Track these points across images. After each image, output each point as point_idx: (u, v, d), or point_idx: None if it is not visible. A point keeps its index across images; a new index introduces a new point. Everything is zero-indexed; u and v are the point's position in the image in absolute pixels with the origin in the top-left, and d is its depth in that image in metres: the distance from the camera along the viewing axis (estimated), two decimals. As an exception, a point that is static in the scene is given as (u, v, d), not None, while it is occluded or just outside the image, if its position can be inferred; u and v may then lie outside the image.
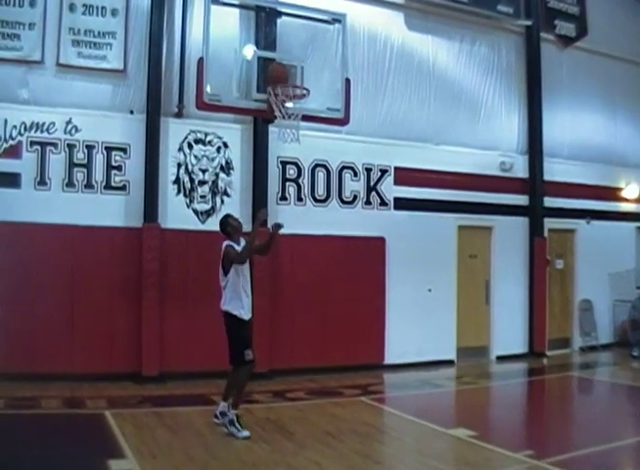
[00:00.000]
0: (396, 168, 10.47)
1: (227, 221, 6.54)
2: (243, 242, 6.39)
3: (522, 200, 11.91)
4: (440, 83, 11.20)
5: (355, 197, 10.29)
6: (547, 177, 12.07)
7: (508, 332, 11.63)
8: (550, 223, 12.21)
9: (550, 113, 12.30)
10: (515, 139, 12.02)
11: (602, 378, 10.86)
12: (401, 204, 10.50)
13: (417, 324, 10.47)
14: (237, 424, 6.10)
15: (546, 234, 12.11)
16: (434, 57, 11.14)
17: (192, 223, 9.18)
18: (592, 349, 12.66)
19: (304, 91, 7.62)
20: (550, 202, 12.14)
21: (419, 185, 10.66)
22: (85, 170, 8.69)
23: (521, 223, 11.88)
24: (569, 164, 12.54)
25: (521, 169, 11.92)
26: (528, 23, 12.04)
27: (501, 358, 11.52)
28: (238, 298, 6.20)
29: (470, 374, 10.33)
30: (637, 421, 7.75)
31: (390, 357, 10.27)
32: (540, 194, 11.96)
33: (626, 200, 13.66)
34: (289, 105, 7.52)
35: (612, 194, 13.39)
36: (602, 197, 13.12)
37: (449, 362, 10.96)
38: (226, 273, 6.27)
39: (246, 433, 6.05)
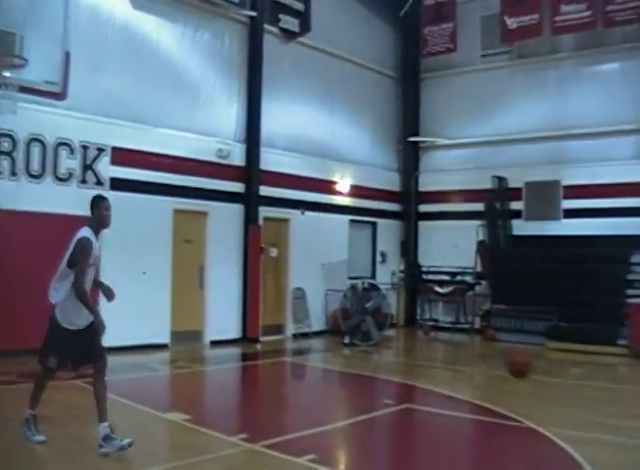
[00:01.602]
0: (114, 148, 12.82)
1: (98, 204, 6.57)
2: (98, 241, 6.60)
3: (238, 187, 15.17)
4: (163, 66, 13.84)
5: (71, 175, 12.32)
6: (264, 166, 15.52)
7: (222, 317, 14.71)
8: (265, 212, 15.67)
9: (270, 104, 15.79)
10: (233, 127, 15.26)
11: (314, 364, 13.89)
12: (118, 184, 12.76)
13: (132, 308, 12.35)
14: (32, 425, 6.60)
15: (261, 222, 15.51)
16: (157, 39, 13.77)
17: None
18: (305, 336, 16.40)
19: (23, 61, 9.13)
20: (266, 191, 15.59)
21: (136, 166, 13.09)
22: None
23: (236, 210, 15.13)
24: (285, 155, 16.25)
25: (238, 157, 15.19)
26: (253, 14, 15.44)
27: (215, 343, 14.45)
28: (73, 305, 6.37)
29: (184, 358, 12.70)
30: (347, 405, 9.86)
31: (106, 341, 12.31)
32: (256, 182, 15.36)
33: (340, 193, 17.94)
34: (6, 74, 9.08)
35: (326, 186, 17.54)
36: (317, 189, 17.15)
37: (163, 346, 13.46)
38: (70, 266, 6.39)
39: (40, 437, 6.57)
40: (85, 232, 6.37)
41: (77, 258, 6.26)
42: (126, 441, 6.30)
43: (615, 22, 16.32)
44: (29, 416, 6.59)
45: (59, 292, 6.36)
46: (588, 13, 16.46)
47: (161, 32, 13.93)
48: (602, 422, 8.29)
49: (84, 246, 6.28)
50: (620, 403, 9.81)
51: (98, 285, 6.79)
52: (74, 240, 6.34)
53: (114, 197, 12.18)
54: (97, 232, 6.51)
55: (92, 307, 6.35)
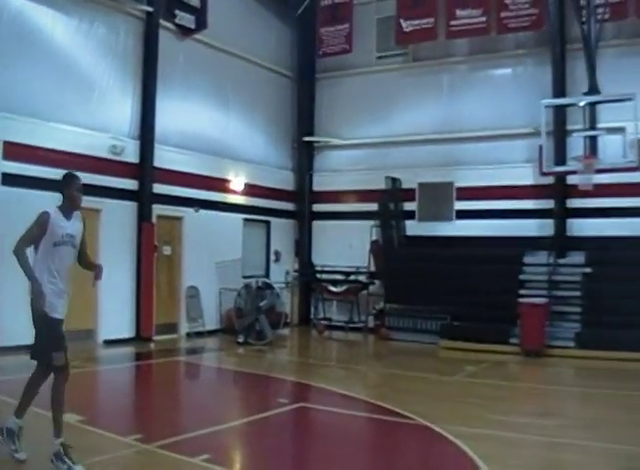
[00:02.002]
0: (6, 142, 13.14)
1: (69, 184, 6.50)
2: (78, 222, 6.58)
3: (131, 184, 15.79)
4: (57, 60, 14.25)
5: (-37, 168, 12.53)
6: (157, 164, 16.23)
7: (115, 316, 15.26)
8: (159, 210, 16.37)
9: (165, 100, 16.52)
10: (128, 123, 15.88)
11: (209, 363, 14.55)
12: (10, 180, 13.07)
13: (21, 305, 12.36)
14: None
15: (155, 220, 16.20)
16: (51, 32, 14.20)
17: None
18: (199, 334, 17.13)
19: None
20: (159, 188, 16.31)
21: (29, 162, 13.45)
22: None
23: (130, 208, 15.75)
24: (180, 153, 17.01)
25: (132, 154, 15.81)
26: (149, 9, 16.10)
27: (109, 342, 14.96)
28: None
29: (77, 358, 12.27)
30: (242, 404, 10.36)
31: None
32: (150, 180, 16.04)
33: (234, 191, 18.83)
34: None
35: (221, 185, 18.41)
36: (211, 187, 17.99)
37: None
38: (36, 248, 6.35)
39: (23, 456, 6.34)
40: (47, 209, 6.36)
41: (28, 228, 6.26)
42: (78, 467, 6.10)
43: (508, 28, 17.85)
44: (13, 426, 6.41)
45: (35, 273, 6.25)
46: (483, 19, 17.96)
47: (56, 25, 14.35)
48: (494, 419, 8.95)
49: (38, 217, 6.25)
50: (512, 401, 10.83)
51: (90, 266, 6.86)
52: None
53: (5, 193, 13.10)
54: (66, 212, 6.43)
55: (29, 272, 6.24)
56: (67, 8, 14.56)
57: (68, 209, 6.46)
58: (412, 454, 7.96)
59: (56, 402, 6.29)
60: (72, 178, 6.51)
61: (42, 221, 6.24)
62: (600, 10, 14.99)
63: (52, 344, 6.29)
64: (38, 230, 6.24)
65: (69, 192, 6.45)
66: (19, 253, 6.17)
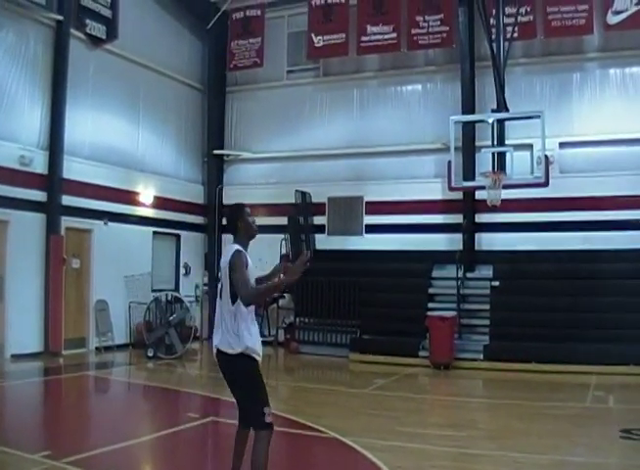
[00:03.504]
0: None
1: (242, 214, 5.88)
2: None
3: (39, 196, 15.42)
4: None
5: None
6: (67, 175, 15.91)
7: (23, 330, 14.83)
8: (68, 222, 16.04)
9: (74, 111, 16.22)
10: (37, 133, 15.52)
11: (118, 378, 14.33)
12: None
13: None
14: None
15: (63, 232, 15.85)
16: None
17: None
18: (108, 349, 16.80)
19: None
20: (68, 200, 15.98)
21: None
22: None
23: (38, 219, 15.36)
24: (89, 165, 16.72)
25: (40, 165, 15.45)
26: (60, 17, 15.78)
27: (16, 357, 14.53)
28: (248, 328, 5.70)
29: None
30: (152, 419, 10.24)
31: None
32: (59, 191, 15.70)
33: (144, 204, 18.61)
34: None
35: (130, 197, 18.16)
36: (120, 199, 17.73)
37: None
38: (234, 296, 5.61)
39: None
40: (235, 247, 5.69)
41: (234, 269, 5.51)
42: None
43: (419, 45, 18.36)
44: None
45: (229, 330, 5.63)
46: (394, 35, 18.39)
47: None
48: (405, 431, 9.07)
49: (236, 257, 5.56)
50: (422, 413, 11.03)
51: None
52: (224, 265, 5.66)
53: None
54: (245, 246, 5.82)
55: (272, 285, 5.87)
56: (-26, 13, 14.19)
57: (246, 242, 5.89)
58: (323, 467, 7.99)
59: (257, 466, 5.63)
60: (243, 206, 5.93)
61: (242, 259, 5.60)
62: (509, 29, 15.49)
63: (264, 396, 5.73)
64: (244, 268, 5.56)
65: (245, 221, 5.85)
66: (251, 293, 5.49)
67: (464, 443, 8.61)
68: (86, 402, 11.85)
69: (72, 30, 16.24)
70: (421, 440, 8.62)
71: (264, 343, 18.05)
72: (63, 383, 13.62)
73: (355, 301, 17.27)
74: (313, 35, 19.38)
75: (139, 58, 18.37)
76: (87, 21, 16.66)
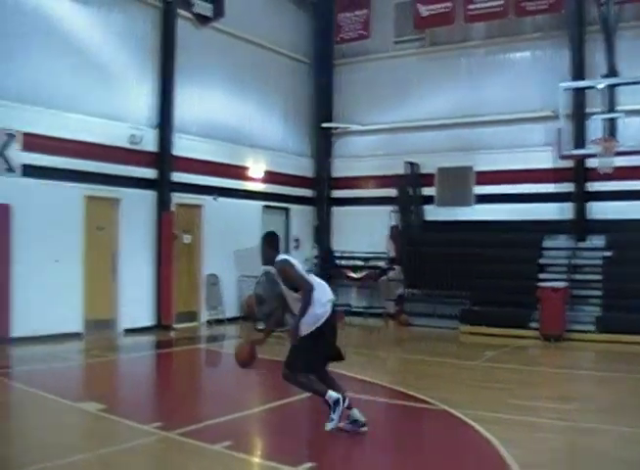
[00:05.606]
0: (25, 134, 13.14)
1: (276, 241, 8.00)
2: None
3: (150, 173, 15.76)
4: (75, 49, 14.22)
5: (-19, 161, 12.56)
6: (176, 152, 16.18)
7: (136, 305, 15.28)
8: (178, 198, 16.35)
9: (183, 89, 16.43)
10: (146, 112, 15.82)
11: (229, 351, 13.95)
12: (30, 171, 13.15)
13: (44, 296, 13.05)
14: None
15: (174, 208, 16.17)
16: (69, 21, 14.16)
17: None
18: (219, 322, 17.12)
19: None
20: (178, 177, 16.27)
21: (47, 152, 13.47)
22: None
23: (149, 197, 15.73)
24: (198, 141, 16.94)
25: (150, 143, 15.77)
26: (167, -2, 16.01)
27: (129, 331, 15.00)
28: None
29: (98, 347, 13.12)
30: (262, 390, 10.47)
31: (18, 330, 12.72)
32: (169, 168, 16.00)
33: (253, 179, 18.75)
34: None
35: (239, 172, 18.33)
36: (229, 175, 17.90)
37: (76, 335, 13.89)
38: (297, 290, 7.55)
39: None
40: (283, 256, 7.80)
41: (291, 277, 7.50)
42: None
43: (526, 11, 17.67)
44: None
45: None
46: (500, 2, 17.77)
47: (74, 14, 14.32)
48: (514, 403, 8.93)
49: (284, 265, 7.57)
50: (532, 385, 10.75)
51: None
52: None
53: (27, 184, 13.18)
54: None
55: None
56: (85, -3, 14.47)
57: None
58: (433, 439, 7.84)
59: None
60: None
61: (291, 264, 7.58)
62: (619, -9, 14.70)
63: None
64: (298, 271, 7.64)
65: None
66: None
67: (574, 416, 8.38)
68: (197, 375, 12.09)
69: (179, 10, 16.37)
70: (531, 412, 8.49)
71: (373, 315, 18.47)
72: (174, 356, 13.88)
73: (465, 272, 16.86)
74: (419, 5, 18.95)
75: (245, 34, 18.37)
76: (194, 0, 16.78)
